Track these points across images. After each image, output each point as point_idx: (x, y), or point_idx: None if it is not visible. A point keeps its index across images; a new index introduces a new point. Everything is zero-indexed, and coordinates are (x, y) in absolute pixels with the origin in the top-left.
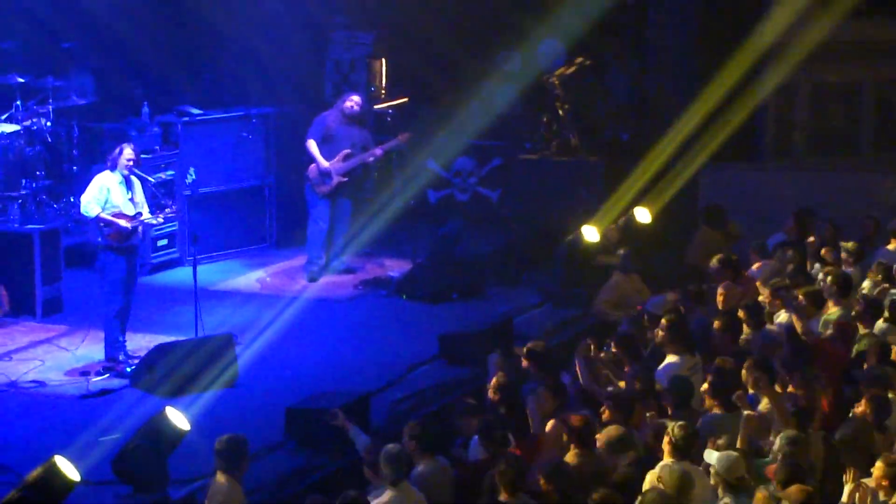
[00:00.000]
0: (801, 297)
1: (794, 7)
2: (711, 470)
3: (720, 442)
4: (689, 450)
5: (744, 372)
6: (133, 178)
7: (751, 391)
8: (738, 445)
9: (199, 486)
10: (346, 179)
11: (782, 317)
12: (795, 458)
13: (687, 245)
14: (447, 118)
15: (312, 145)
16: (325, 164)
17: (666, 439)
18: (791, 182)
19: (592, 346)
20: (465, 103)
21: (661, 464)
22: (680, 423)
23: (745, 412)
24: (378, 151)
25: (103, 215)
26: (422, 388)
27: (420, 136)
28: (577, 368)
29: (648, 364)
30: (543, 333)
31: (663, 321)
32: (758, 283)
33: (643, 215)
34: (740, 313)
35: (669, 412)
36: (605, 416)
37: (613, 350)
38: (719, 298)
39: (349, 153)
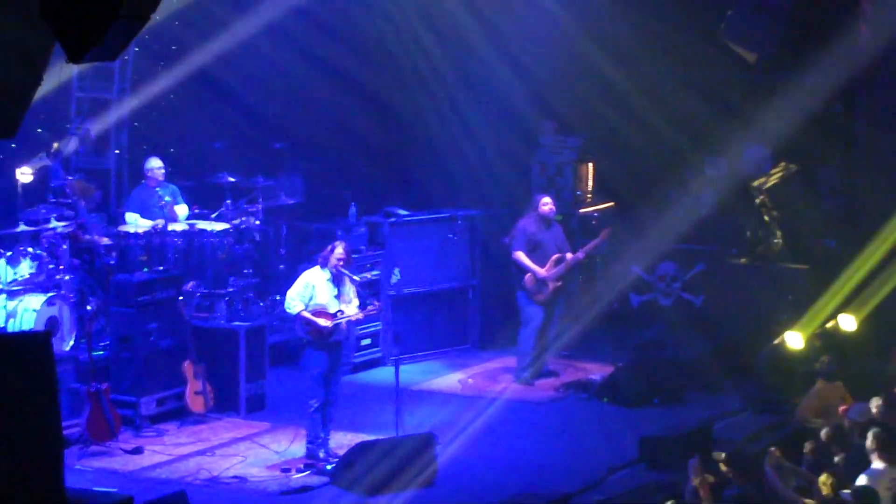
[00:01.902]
0: None
1: None
2: None
3: None
4: None
5: None
6: (344, 275)
7: None
8: None
9: None
10: (560, 284)
11: None
12: None
13: (892, 353)
14: (651, 222)
15: (522, 256)
16: (542, 272)
17: None
18: None
19: (780, 454)
20: (669, 207)
21: None
22: None
23: None
24: (580, 255)
25: (304, 313)
26: (621, 491)
27: (624, 240)
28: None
29: (842, 472)
30: (744, 440)
31: (874, 429)
32: None
33: (848, 322)
34: None
35: None
36: None
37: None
38: None
39: (559, 257)
